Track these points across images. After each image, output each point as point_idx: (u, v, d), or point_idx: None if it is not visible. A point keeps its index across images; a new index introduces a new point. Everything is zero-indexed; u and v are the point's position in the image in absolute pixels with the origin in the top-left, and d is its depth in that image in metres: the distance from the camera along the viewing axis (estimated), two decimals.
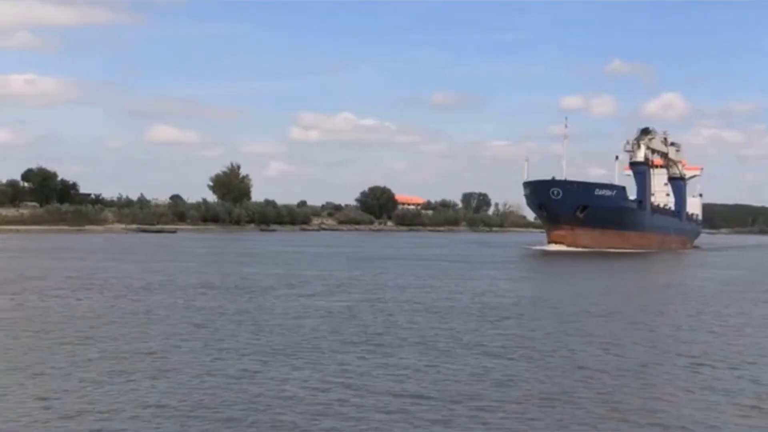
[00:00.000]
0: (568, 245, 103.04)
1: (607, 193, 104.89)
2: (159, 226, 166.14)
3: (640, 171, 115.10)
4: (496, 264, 72.23)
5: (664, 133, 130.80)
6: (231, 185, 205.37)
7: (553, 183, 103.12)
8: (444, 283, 47.12)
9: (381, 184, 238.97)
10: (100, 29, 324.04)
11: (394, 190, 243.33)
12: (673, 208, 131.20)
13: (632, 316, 33.71)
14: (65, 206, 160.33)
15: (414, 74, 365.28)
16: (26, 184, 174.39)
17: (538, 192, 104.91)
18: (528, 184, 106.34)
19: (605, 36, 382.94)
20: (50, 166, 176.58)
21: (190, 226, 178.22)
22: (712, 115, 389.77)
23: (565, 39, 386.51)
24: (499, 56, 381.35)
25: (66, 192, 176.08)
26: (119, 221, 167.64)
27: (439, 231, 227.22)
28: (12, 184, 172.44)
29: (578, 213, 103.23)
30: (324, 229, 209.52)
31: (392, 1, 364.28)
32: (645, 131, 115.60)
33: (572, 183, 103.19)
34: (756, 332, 29.46)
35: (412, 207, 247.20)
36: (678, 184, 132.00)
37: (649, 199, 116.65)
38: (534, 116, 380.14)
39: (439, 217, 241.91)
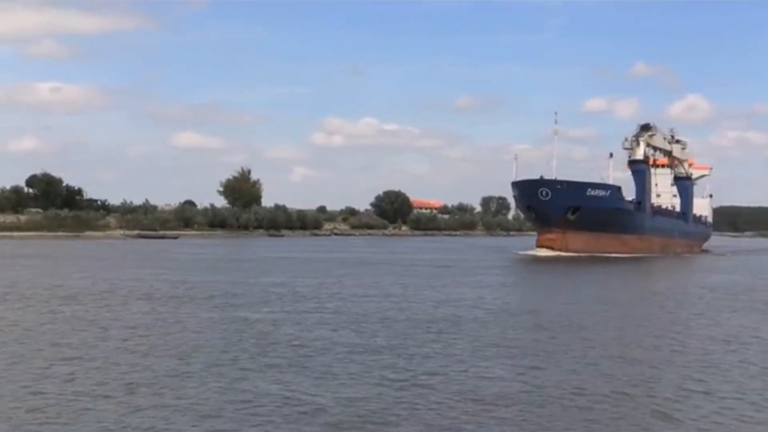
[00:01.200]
0: (559, 250, 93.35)
1: (601, 193, 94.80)
2: (161, 232, 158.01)
3: (640, 170, 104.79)
4: (477, 270, 66.58)
5: (671, 130, 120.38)
6: (241, 190, 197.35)
7: (541, 183, 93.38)
8: (406, 292, 43.95)
9: (403, 188, 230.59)
10: (124, 36, 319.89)
11: (416, 195, 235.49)
12: (678, 209, 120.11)
13: (602, 330, 29.97)
14: (64, 212, 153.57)
15: (436, 78, 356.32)
16: (30, 190, 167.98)
17: (526, 193, 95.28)
18: (516, 185, 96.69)
19: (628, 38, 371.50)
20: (75, 172, 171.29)
21: (194, 232, 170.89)
22: (736, 116, 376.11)
23: (588, 41, 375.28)
24: (521, 59, 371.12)
25: (71, 198, 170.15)
26: (122, 227, 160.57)
27: (455, 235, 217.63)
28: (16, 190, 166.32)
29: (569, 215, 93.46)
30: (336, 234, 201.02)
31: (414, 6, 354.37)
32: (645, 127, 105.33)
33: (562, 183, 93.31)
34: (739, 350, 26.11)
35: (427, 211, 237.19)
36: (684, 184, 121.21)
37: (650, 199, 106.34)
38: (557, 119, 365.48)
39: (455, 221, 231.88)
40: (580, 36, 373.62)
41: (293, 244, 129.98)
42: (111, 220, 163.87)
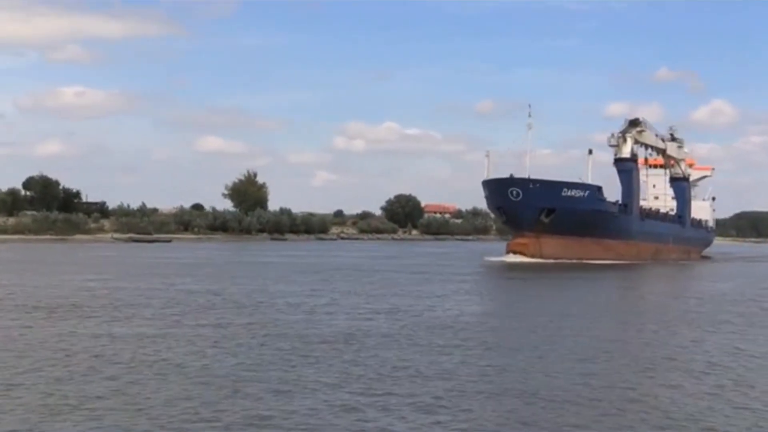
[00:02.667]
0: (531, 255, 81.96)
1: (578, 193, 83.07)
2: (154, 236, 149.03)
3: (626, 169, 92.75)
4: (438, 277, 58.23)
5: (671, 128, 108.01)
6: (247, 193, 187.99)
7: (511, 182, 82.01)
8: (335, 301, 38.26)
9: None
10: (148, 41, 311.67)
11: (436, 199, 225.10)
12: (675, 212, 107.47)
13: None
14: (54, 214, 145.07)
15: (459, 82, 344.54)
16: (27, 193, 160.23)
17: (496, 193, 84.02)
18: (486, 184, 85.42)
19: (652, 43, 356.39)
20: (99, 177, 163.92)
21: (192, 236, 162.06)
22: (761, 121, 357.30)
23: (613, 46, 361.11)
24: (544, 63, 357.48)
25: (69, 200, 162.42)
26: (117, 231, 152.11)
27: (467, 240, 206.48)
28: (12, 192, 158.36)
29: (543, 217, 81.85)
30: (343, 238, 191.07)
31: (438, 10, 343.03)
32: (633, 123, 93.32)
33: (534, 182, 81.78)
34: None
35: (439, 215, 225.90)
36: (681, 185, 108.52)
37: (638, 201, 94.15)
38: (579, 124, 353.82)
39: (467, 225, 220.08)
40: (605, 41, 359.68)
41: (289, 249, 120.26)
42: (106, 223, 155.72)
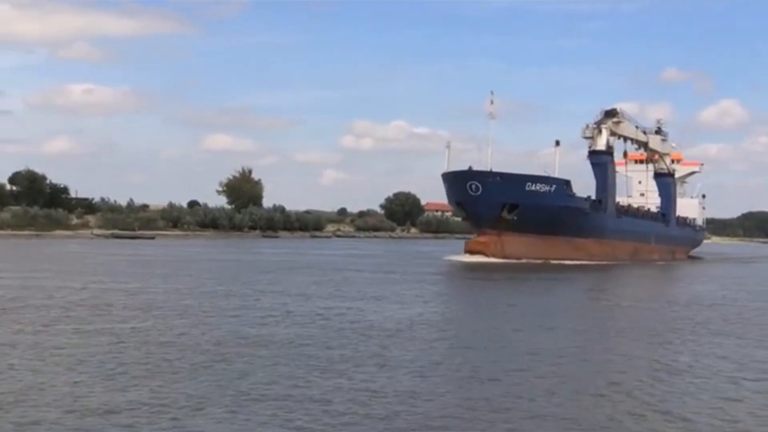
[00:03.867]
0: (492, 255, 73.06)
1: (543, 188, 74.14)
2: (136, 232, 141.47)
3: (601, 162, 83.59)
4: (395, 277, 53.22)
5: (658, 121, 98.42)
6: (242, 190, 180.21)
7: (469, 175, 73.37)
8: (275, 302, 34.30)
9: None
10: (157, 40, 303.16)
11: (443, 198, 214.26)
12: (659, 210, 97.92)
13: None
14: (34, 210, 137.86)
15: (467, 82, 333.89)
16: (14, 188, 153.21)
17: (455, 187, 75.16)
18: (445, 178, 76.41)
19: (661, 43, 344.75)
20: (108, 174, 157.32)
21: (179, 233, 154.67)
22: None
23: (621, 46, 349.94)
24: (553, 63, 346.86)
25: (56, 196, 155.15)
26: (102, 227, 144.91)
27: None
28: None
29: (505, 214, 72.81)
30: (339, 236, 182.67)
31: (446, 9, 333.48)
32: (609, 113, 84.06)
33: (495, 175, 73.06)
34: None
35: (439, 213, 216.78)
36: (665, 181, 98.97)
37: (614, 197, 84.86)
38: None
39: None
40: (614, 40, 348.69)
41: (273, 246, 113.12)
42: (91, 219, 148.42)
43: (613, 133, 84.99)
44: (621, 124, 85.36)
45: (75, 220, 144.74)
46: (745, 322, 32.87)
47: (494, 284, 53.50)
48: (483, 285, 53.01)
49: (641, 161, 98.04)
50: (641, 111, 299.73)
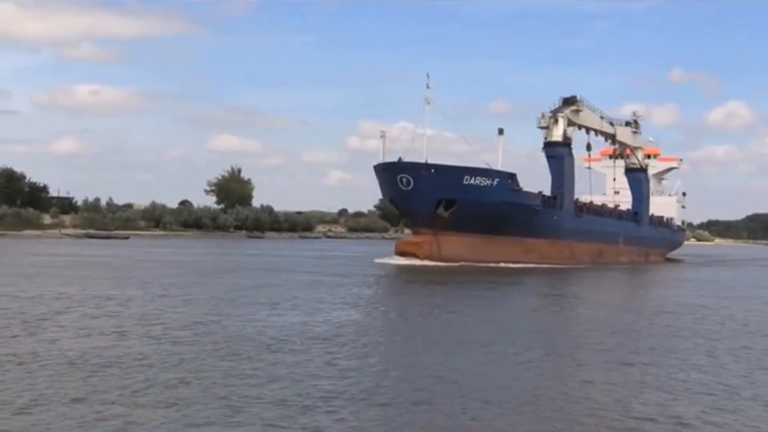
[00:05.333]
0: (427, 257, 62.28)
1: (484, 182, 63.25)
2: (111, 232, 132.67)
3: (556, 155, 72.54)
4: (336, 278, 47.07)
5: (634, 113, 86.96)
6: (231, 189, 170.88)
7: (400, 167, 62.48)
8: (165, 306, 29.29)
9: None
10: (164, 40, 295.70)
11: None
12: (630, 208, 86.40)
13: None
14: (3, 209, 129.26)
15: (474, 83, 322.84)
16: None
17: (386, 181, 64.42)
18: (376, 171, 65.64)
19: (667, 44, 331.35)
20: (114, 173, 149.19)
21: (160, 232, 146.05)
22: None
23: (628, 48, 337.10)
24: (560, 65, 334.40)
25: (35, 194, 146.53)
26: (78, 226, 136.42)
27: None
28: None
29: (441, 211, 62.00)
30: (329, 237, 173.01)
31: (453, 11, 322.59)
32: (568, 101, 72.75)
33: (429, 167, 62.29)
34: None
35: None
36: (636, 177, 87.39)
37: (571, 194, 73.64)
38: None
39: None
40: (621, 42, 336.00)
41: (248, 247, 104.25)
42: (66, 219, 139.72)
43: (572, 123, 73.79)
44: (581, 113, 74.06)
45: (49, 220, 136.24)
46: (696, 336, 26.22)
47: (416, 291, 42.95)
48: (403, 291, 42.59)
49: (614, 156, 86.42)
50: (647, 112, 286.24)
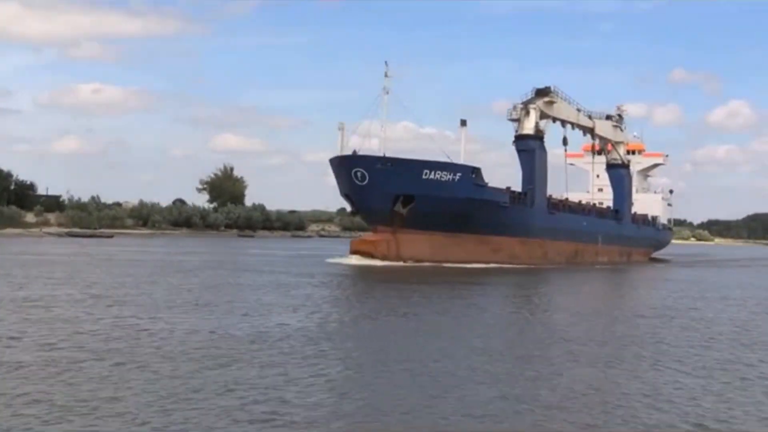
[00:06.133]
0: (384, 257, 56.96)
1: (445, 176, 57.75)
2: (96, 231, 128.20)
3: (528, 149, 66.84)
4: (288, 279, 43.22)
5: (618, 108, 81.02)
6: (223, 188, 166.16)
7: (354, 160, 57.02)
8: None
9: None
10: (166, 39, 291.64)
11: None
12: (612, 205, 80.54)
13: None
14: None
15: (476, 82, 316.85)
16: None
17: (341, 175, 58.94)
18: (331, 164, 60.22)
19: (669, 44, 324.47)
20: (118, 172, 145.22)
21: (147, 231, 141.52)
22: None
23: (631, 47, 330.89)
24: (562, 64, 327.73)
25: (23, 193, 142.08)
26: (62, 225, 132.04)
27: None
28: None
29: (399, 207, 56.52)
30: (322, 236, 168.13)
31: (456, 10, 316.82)
32: (541, 92, 66.92)
33: (385, 161, 56.74)
34: None
35: None
36: (617, 173, 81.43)
37: (543, 190, 67.96)
38: None
39: None
40: (624, 41, 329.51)
41: (232, 246, 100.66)
42: (51, 217, 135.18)
43: (545, 116, 68.06)
44: (555, 105, 68.30)
45: (35, 218, 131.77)
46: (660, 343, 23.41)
47: (360, 297, 37.50)
48: (345, 297, 37.08)
49: (594, 151, 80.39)
50: (649, 112, 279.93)
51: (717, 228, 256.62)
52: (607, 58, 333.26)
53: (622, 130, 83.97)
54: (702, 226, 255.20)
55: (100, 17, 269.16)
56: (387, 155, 58.17)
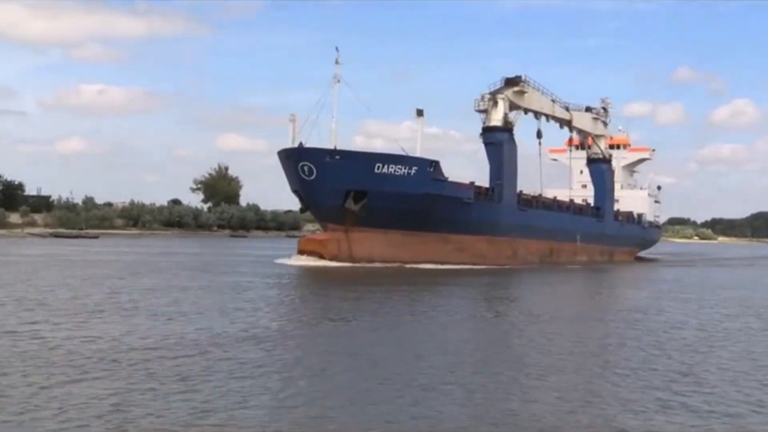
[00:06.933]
0: (334, 258, 51.58)
1: (400, 170, 52.33)
2: (81, 232, 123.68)
3: (495, 141, 61.16)
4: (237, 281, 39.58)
5: (602, 100, 75.31)
6: (217, 188, 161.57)
7: (300, 153, 51.50)
8: None
9: None
10: (170, 40, 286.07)
11: None
12: (591, 202, 74.63)
13: None
14: None
15: (480, 82, 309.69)
16: None
17: (290, 169, 53.50)
18: (280, 158, 54.87)
19: (673, 43, 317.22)
20: (120, 175, 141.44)
21: (136, 231, 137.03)
22: None
23: (634, 46, 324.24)
24: (566, 63, 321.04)
25: (11, 193, 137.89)
26: (49, 225, 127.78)
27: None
28: None
29: (350, 204, 51.09)
30: None
31: (459, 10, 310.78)
32: (511, 81, 61.19)
33: (334, 153, 51.20)
34: None
35: None
36: (598, 168, 75.49)
37: (513, 185, 62.25)
38: None
39: None
40: (628, 40, 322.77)
41: (218, 245, 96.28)
42: (38, 218, 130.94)
43: (516, 106, 62.34)
44: (526, 95, 62.56)
45: (20, 219, 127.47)
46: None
47: (298, 303, 32.29)
48: (282, 302, 31.82)
49: (572, 145, 74.52)
50: (653, 111, 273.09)
51: (721, 227, 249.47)
52: (609, 57, 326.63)
53: (606, 123, 78.10)
54: (706, 224, 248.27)
55: (104, 18, 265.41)
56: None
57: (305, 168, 51.80)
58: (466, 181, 59.44)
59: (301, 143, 52.80)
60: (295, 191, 55.45)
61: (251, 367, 17.19)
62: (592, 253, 71.53)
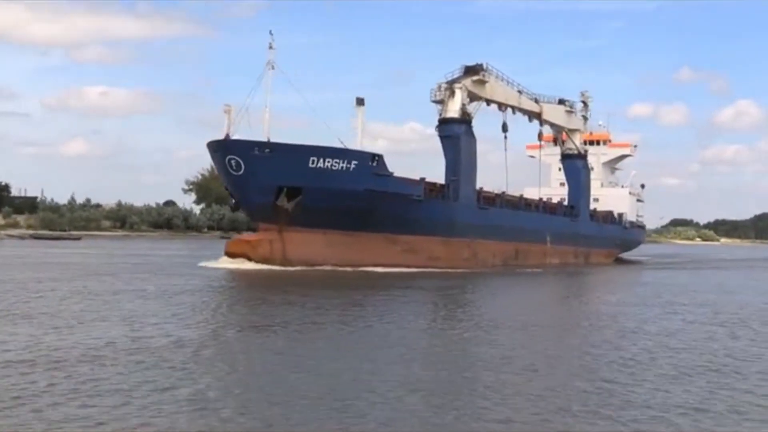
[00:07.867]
0: (264, 261, 45.71)
1: (337, 164, 46.27)
2: (63, 233, 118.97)
3: (452, 134, 54.85)
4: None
5: (583, 94, 69.08)
6: (209, 188, 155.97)
7: (227, 147, 45.60)
8: None
9: None
10: (172, 42, 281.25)
11: None
12: (565, 201, 68.19)
13: None
14: None
15: None
16: None
17: (218, 163, 47.66)
18: (209, 150, 49.01)
19: (676, 44, 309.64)
20: (124, 173, 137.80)
21: (123, 233, 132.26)
22: None
23: (637, 47, 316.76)
24: (570, 64, 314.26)
25: None
26: (32, 226, 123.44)
27: None
28: None
29: (283, 201, 45.22)
30: None
31: (461, 10, 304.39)
32: (470, 69, 54.96)
33: (264, 146, 45.29)
34: None
35: None
36: (573, 164, 68.93)
37: (471, 182, 56.01)
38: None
39: None
40: (630, 41, 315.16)
41: (192, 247, 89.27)
42: (20, 219, 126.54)
43: (476, 97, 56.08)
44: (488, 85, 56.32)
45: (3, 220, 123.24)
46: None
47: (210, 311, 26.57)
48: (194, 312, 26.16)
49: (541, 140, 68.05)
50: (656, 112, 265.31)
51: (724, 228, 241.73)
52: (612, 57, 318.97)
53: (587, 118, 71.68)
54: (708, 225, 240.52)
55: (106, 20, 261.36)
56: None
57: (233, 162, 45.98)
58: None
59: (227, 135, 46.90)
60: (226, 188, 49.60)
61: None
62: (565, 255, 65.15)
